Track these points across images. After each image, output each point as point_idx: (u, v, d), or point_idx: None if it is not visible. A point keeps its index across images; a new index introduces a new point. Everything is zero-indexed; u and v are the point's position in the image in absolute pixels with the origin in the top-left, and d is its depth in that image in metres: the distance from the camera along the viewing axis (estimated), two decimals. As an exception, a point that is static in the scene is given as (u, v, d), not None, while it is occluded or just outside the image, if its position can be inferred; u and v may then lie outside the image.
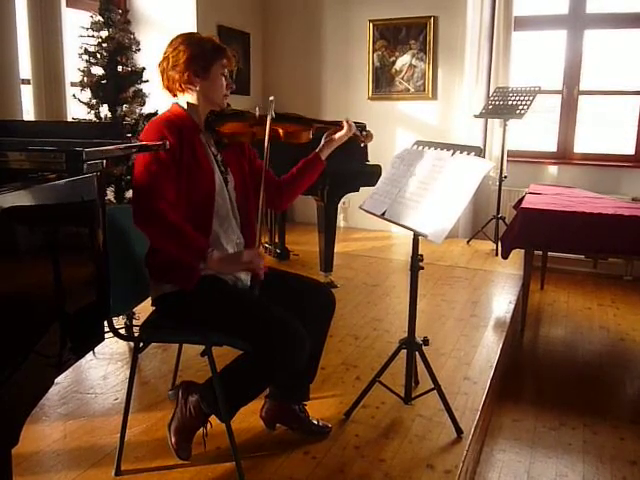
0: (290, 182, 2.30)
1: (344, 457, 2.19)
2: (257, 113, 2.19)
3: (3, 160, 1.39)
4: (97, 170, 1.36)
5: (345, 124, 2.26)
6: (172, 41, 2.08)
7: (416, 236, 2.28)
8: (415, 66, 5.70)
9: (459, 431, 2.32)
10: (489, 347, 3.23)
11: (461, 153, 2.14)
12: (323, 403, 2.51)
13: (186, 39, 2.06)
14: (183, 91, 2.08)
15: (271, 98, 2.09)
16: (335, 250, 4.13)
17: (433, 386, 2.36)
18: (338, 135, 2.27)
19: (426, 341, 2.42)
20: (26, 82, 3.78)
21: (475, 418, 2.46)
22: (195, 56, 2.02)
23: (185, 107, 2.10)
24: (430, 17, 5.52)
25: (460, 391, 2.69)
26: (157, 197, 1.90)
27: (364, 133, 2.38)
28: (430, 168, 2.21)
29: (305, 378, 2.26)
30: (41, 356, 1.29)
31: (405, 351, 2.43)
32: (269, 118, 2.07)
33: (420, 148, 2.36)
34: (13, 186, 1.21)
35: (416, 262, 2.32)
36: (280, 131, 2.18)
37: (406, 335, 2.43)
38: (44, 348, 1.30)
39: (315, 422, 2.31)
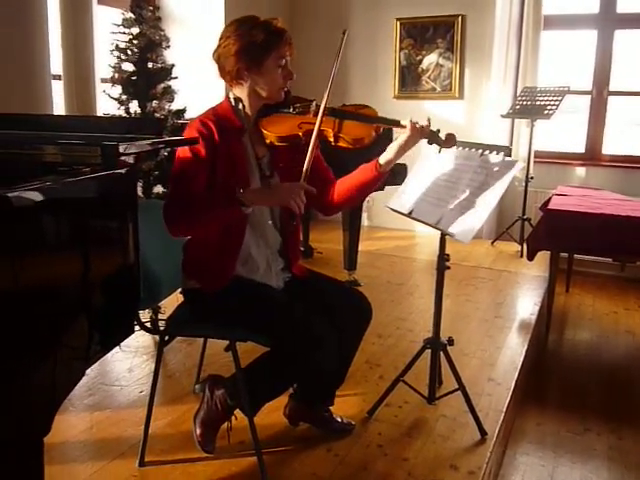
0: (342, 187, 2.09)
1: (367, 455, 2.19)
2: (313, 106, 2.00)
3: (38, 153, 1.41)
4: (130, 164, 1.38)
5: (408, 125, 1.94)
6: (227, 27, 1.95)
7: (443, 235, 2.27)
8: (442, 65, 5.67)
9: (483, 432, 2.31)
10: (513, 349, 3.20)
11: (490, 153, 2.12)
12: (346, 401, 2.51)
13: (239, 26, 1.92)
14: (234, 84, 1.98)
15: (343, 33, 1.93)
16: (359, 248, 4.12)
17: (457, 386, 2.35)
18: (401, 139, 1.95)
19: (451, 341, 2.41)
20: (57, 78, 3.83)
21: (499, 420, 2.44)
22: (246, 47, 1.88)
23: (234, 103, 2.00)
24: (458, 16, 5.48)
25: (484, 392, 2.67)
26: (182, 199, 1.86)
27: (440, 136, 2.01)
28: (458, 168, 2.20)
29: (331, 383, 2.25)
30: (71, 348, 1.31)
31: (429, 350, 2.42)
32: (322, 109, 1.91)
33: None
34: (48, 179, 1.23)
35: (442, 262, 2.31)
36: (329, 132, 1.96)
37: (430, 335, 2.43)
38: (74, 340, 1.32)
39: (338, 419, 2.31)
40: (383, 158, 1.99)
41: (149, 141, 1.42)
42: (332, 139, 2.00)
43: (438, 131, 2.01)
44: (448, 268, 2.33)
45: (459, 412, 2.44)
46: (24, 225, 1.15)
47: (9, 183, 1.13)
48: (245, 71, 1.93)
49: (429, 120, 1.96)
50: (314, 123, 1.95)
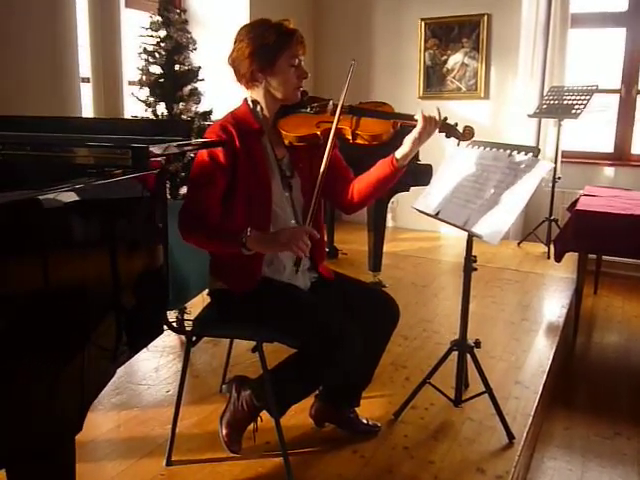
0: (363, 184, 2.07)
1: (393, 457, 2.18)
2: (330, 105, 2.01)
3: (69, 156, 1.43)
4: (160, 166, 1.39)
5: (420, 117, 1.92)
6: (240, 30, 1.97)
7: (470, 237, 2.25)
8: (467, 65, 5.63)
9: (510, 436, 2.29)
10: (541, 352, 3.16)
11: (518, 153, 2.10)
12: (372, 402, 2.50)
13: (250, 30, 1.94)
14: (250, 87, 2.00)
15: (352, 61, 1.94)
16: (384, 250, 4.11)
17: (484, 389, 2.33)
18: (415, 132, 1.92)
19: (478, 343, 2.39)
20: (85, 80, 3.89)
21: (527, 423, 2.41)
22: (258, 50, 1.90)
23: (252, 106, 2.02)
24: (484, 15, 5.43)
25: (511, 395, 2.64)
26: (198, 207, 1.88)
27: (456, 128, 2.02)
28: (486, 168, 2.18)
29: (358, 385, 2.25)
30: (102, 348, 1.33)
31: (455, 353, 2.41)
32: (339, 108, 1.93)
33: (475, 148, 2.32)
34: (79, 181, 1.24)
35: (469, 263, 2.29)
36: (347, 130, 1.97)
37: (456, 337, 2.41)
38: (104, 340, 1.33)
39: (364, 421, 2.31)
40: (399, 152, 1.98)
41: (178, 143, 1.43)
42: (350, 137, 2.01)
43: (456, 124, 2.02)
44: (475, 270, 2.32)
45: (486, 415, 2.42)
46: (55, 226, 1.16)
47: (41, 185, 1.15)
48: (259, 73, 1.94)
49: (439, 109, 1.95)
50: (332, 122, 1.96)
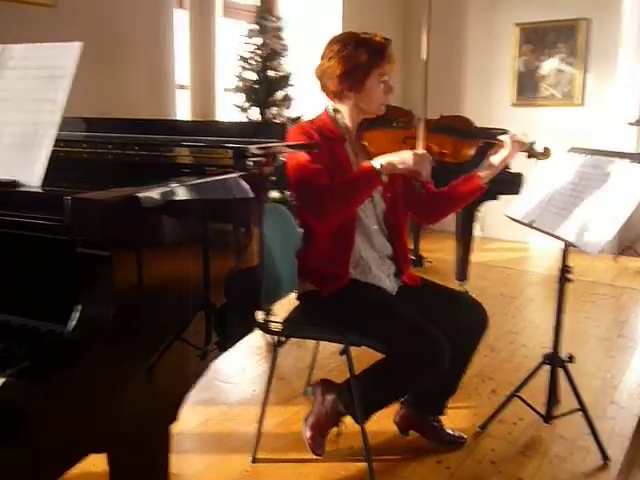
0: (443, 198, 2.13)
1: (479, 470, 2.13)
2: (416, 120, 2.01)
3: (171, 155, 1.49)
4: (258, 167, 1.42)
5: (508, 142, 2.00)
6: (329, 46, 1.97)
7: (566, 247, 2.17)
8: (563, 71, 5.44)
9: (605, 457, 2.18)
10: (639, 371, 2.99)
11: (621, 161, 2.01)
12: (457, 413, 2.45)
13: (342, 48, 1.93)
14: (336, 101, 2.03)
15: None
16: (470, 259, 4.02)
17: (578, 407, 2.23)
18: (499, 156, 2.02)
19: (571, 358, 2.29)
20: (180, 88, 4.05)
21: (623, 445, 2.29)
22: (349, 71, 1.92)
23: (334, 114, 2.04)
24: (582, 19, 5.24)
25: (606, 415, 2.51)
26: (316, 182, 1.86)
27: (538, 150, 2.10)
28: (585, 176, 2.09)
29: (444, 393, 2.21)
30: (197, 341, 1.36)
31: (546, 367, 2.32)
32: (422, 131, 1.92)
33: (573, 155, 2.24)
34: (181, 180, 1.28)
35: (565, 274, 2.21)
36: (434, 148, 1.98)
37: (546, 350, 2.32)
38: (200, 334, 1.37)
39: (449, 432, 2.26)
40: (484, 172, 2.04)
41: (276, 144, 1.46)
42: (437, 156, 2.01)
43: (533, 143, 2.10)
44: (570, 281, 2.22)
45: (579, 434, 2.32)
46: (154, 223, 1.18)
47: (143, 183, 1.19)
48: (348, 91, 1.96)
49: (526, 135, 2.05)
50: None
